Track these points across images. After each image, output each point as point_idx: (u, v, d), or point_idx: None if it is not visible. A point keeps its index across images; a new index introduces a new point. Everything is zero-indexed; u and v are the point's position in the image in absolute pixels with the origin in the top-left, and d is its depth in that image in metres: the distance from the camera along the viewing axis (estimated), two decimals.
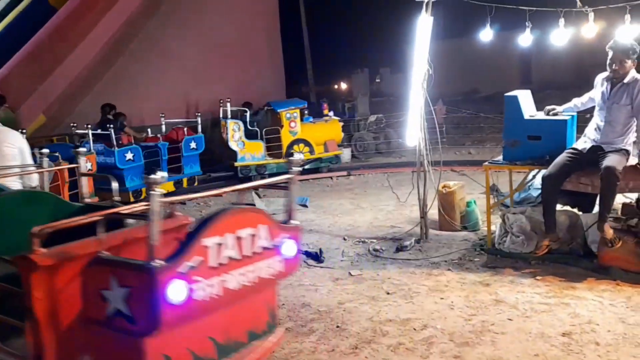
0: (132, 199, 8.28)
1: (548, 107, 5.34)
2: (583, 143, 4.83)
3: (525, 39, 6.05)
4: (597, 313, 3.90)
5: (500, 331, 3.73)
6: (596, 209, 4.77)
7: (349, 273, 5.06)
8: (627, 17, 5.08)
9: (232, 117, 10.22)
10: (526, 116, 5.25)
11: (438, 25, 7.07)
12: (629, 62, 4.51)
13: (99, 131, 8.65)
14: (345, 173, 10.38)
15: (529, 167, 5.38)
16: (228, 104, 10.34)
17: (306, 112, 10.79)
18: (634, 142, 4.67)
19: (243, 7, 13.76)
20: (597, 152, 4.67)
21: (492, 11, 5.63)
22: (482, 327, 3.81)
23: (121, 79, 11.26)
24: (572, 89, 7.39)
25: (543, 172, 4.90)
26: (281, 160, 10.14)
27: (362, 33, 21.53)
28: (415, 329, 3.84)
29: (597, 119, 4.78)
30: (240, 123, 10.11)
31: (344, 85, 21.08)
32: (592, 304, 4.04)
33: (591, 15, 5.33)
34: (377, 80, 12.77)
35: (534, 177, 5.75)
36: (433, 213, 6.29)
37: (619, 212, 4.88)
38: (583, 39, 5.77)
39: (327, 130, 10.75)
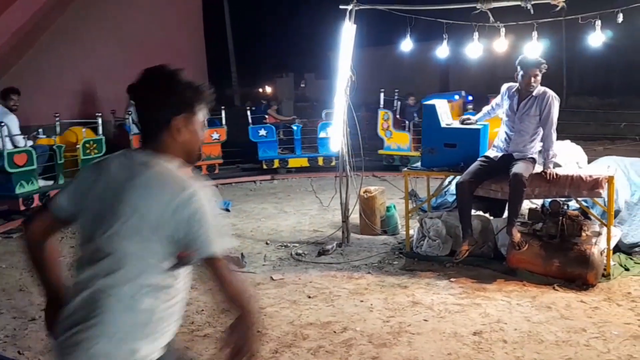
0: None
1: (463, 117, 5.61)
2: (494, 151, 5.10)
3: (442, 50, 6.31)
4: (506, 312, 4.11)
5: (417, 332, 3.84)
6: (506, 213, 5.06)
7: (271, 277, 5.03)
8: (534, 34, 5.45)
9: (384, 107, 10.58)
10: (443, 125, 5.47)
11: (362, 33, 7.23)
12: (539, 75, 4.82)
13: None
14: (269, 177, 10.33)
15: (445, 174, 5.60)
16: (381, 93, 10.53)
17: (470, 106, 10.22)
18: (539, 151, 4.98)
19: (165, 5, 13.38)
20: (506, 160, 4.95)
21: (412, 22, 5.83)
22: (399, 328, 3.91)
23: (29, 73, 10.52)
24: (486, 99, 7.84)
25: (458, 178, 5.13)
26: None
27: (287, 38, 21.60)
28: (335, 332, 3.88)
29: (506, 129, 5.06)
30: (390, 113, 10.49)
31: (268, 89, 21.03)
32: (501, 304, 4.26)
33: (502, 30, 5.66)
34: (302, 85, 12.85)
35: (449, 183, 6.00)
36: (355, 217, 6.40)
37: (526, 217, 5.19)
38: (495, 52, 6.13)
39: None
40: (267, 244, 6.14)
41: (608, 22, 5.48)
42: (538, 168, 4.95)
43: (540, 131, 4.88)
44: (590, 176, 4.75)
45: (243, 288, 1.79)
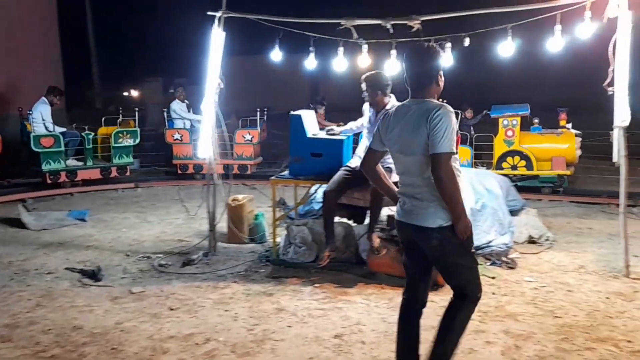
0: None
1: (327, 128, 5.81)
2: (356, 161, 5.34)
3: (310, 63, 6.49)
4: (365, 314, 4.31)
5: (280, 338, 3.88)
6: (367, 220, 5.32)
7: (130, 291, 4.78)
8: (393, 52, 5.82)
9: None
10: (309, 135, 5.62)
11: (234, 40, 7.20)
12: (379, 94, 5.13)
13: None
14: (132, 185, 9.82)
15: (311, 182, 5.75)
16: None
17: (536, 120, 9.29)
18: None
19: (14, 3, 12.15)
20: None
21: (281, 33, 5.94)
22: (263, 335, 3.92)
23: None
24: (354, 113, 8.18)
25: (324, 186, 5.29)
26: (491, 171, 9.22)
27: (156, 41, 20.80)
28: (197, 344, 3.78)
29: (366, 142, 5.34)
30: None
31: (135, 93, 20.08)
32: (360, 307, 4.46)
33: (365, 47, 5.97)
34: (171, 91, 12.46)
35: (315, 191, 6.17)
36: (223, 226, 6.32)
37: (386, 223, 5.50)
38: (360, 67, 6.43)
39: (557, 145, 9.02)
40: (127, 255, 5.83)
41: (459, 45, 6.03)
42: (395, 177, 5.26)
43: None
44: None
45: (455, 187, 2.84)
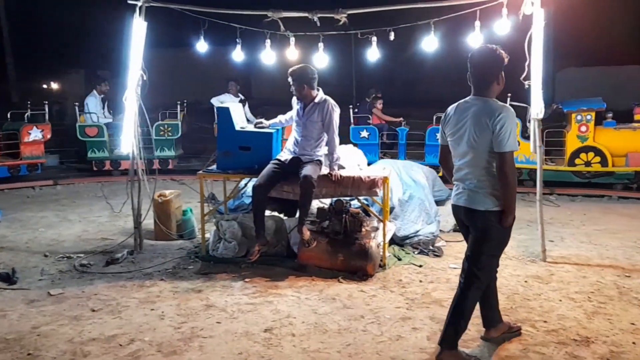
0: None
1: (256, 121, 5.75)
2: (285, 155, 5.32)
3: (237, 55, 6.39)
4: (295, 307, 4.31)
5: (209, 335, 3.81)
6: (298, 213, 5.31)
7: (48, 293, 4.53)
8: (320, 45, 5.83)
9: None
10: (237, 128, 5.53)
11: (160, 31, 6.96)
12: (306, 87, 5.14)
13: None
14: (51, 182, 9.31)
15: (240, 176, 5.67)
16: (508, 99, 9.03)
17: (610, 115, 8.83)
18: (326, 154, 5.34)
19: None
20: (296, 163, 5.21)
21: (206, 24, 5.80)
22: (191, 333, 3.83)
23: None
24: (286, 106, 8.12)
25: (255, 181, 5.23)
26: (562, 168, 8.86)
27: (77, 30, 19.75)
28: (121, 345, 3.64)
29: (295, 134, 5.33)
30: (519, 121, 9.01)
31: (55, 85, 19.03)
32: (291, 300, 4.45)
33: (292, 39, 5.94)
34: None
35: (245, 185, 6.09)
36: (149, 223, 6.12)
37: (315, 216, 5.52)
38: (289, 60, 6.40)
39: (634, 140, 8.62)
40: (45, 256, 5.53)
41: (386, 39, 6.13)
42: (325, 170, 5.30)
43: (325, 136, 5.25)
44: (369, 177, 5.25)
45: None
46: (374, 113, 10.23)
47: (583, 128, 8.71)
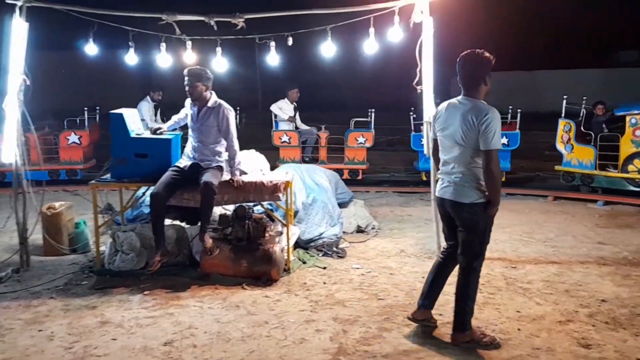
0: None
1: (154, 127, 5.55)
2: (184, 161, 5.19)
3: (130, 58, 6.14)
4: (197, 317, 4.20)
5: (104, 353, 3.61)
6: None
7: None
8: (218, 49, 5.75)
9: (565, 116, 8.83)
10: (132, 134, 5.31)
11: (45, 33, 6.53)
12: (200, 85, 5.05)
13: None
14: None
15: (137, 185, 5.44)
16: (564, 101, 8.78)
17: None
18: (227, 159, 5.27)
19: None
20: (196, 169, 5.09)
21: (95, 26, 5.52)
22: (84, 353, 3.61)
23: None
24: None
25: (153, 189, 5.04)
26: (614, 174, 8.30)
27: None
28: None
29: (191, 139, 5.22)
30: (573, 123, 8.72)
31: None
32: (193, 310, 4.34)
33: (189, 43, 5.81)
34: None
35: (143, 194, 5.86)
36: (37, 238, 5.71)
37: (218, 223, 5.42)
38: (186, 63, 6.25)
39: None
40: None
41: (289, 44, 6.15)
42: (226, 176, 5.22)
43: (223, 141, 5.18)
44: (271, 182, 5.24)
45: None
46: None
47: (638, 132, 8.09)
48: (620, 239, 6.40)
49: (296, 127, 9.80)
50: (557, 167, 8.96)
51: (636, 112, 8.20)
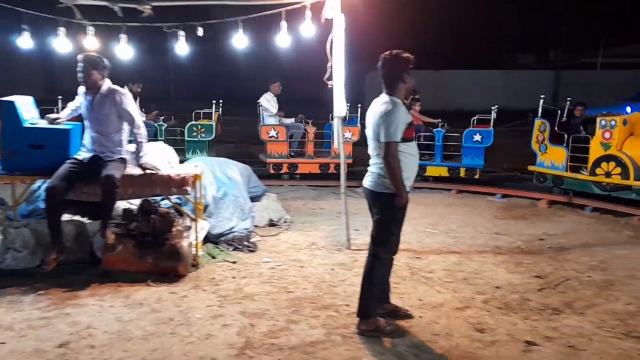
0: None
1: (51, 116, 5.21)
2: (83, 153, 4.91)
3: (24, 42, 5.73)
4: (97, 317, 4.01)
5: None
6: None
7: None
8: (123, 36, 5.50)
9: (541, 116, 8.76)
10: (26, 124, 4.95)
11: None
12: (95, 73, 4.83)
13: None
14: None
15: (31, 178, 5.10)
16: (541, 101, 8.65)
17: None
18: (131, 151, 5.05)
19: None
20: (96, 161, 4.84)
21: None
22: None
23: None
24: None
25: (48, 182, 4.73)
26: (583, 177, 8.07)
27: None
28: None
29: (89, 130, 4.95)
30: (548, 124, 8.62)
31: None
32: (92, 309, 4.13)
33: (91, 29, 5.51)
34: None
35: (39, 187, 5.50)
36: None
37: (121, 217, 5.20)
38: (88, 50, 5.92)
39: None
40: None
41: (204, 35, 5.98)
42: (130, 168, 5.01)
43: (123, 131, 4.96)
44: (179, 175, 5.09)
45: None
46: (412, 114, 9.97)
47: (607, 135, 7.78)
48: (515, 229, 6.86)
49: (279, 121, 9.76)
50: (530, 167, 8.89)
51: (609, 113, 8.24)
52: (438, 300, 4.50)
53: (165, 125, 9.53)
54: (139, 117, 5.01)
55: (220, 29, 6.05)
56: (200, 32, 5.74)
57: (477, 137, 9.14)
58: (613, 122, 7.72)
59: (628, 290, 4.76)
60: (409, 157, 3.82)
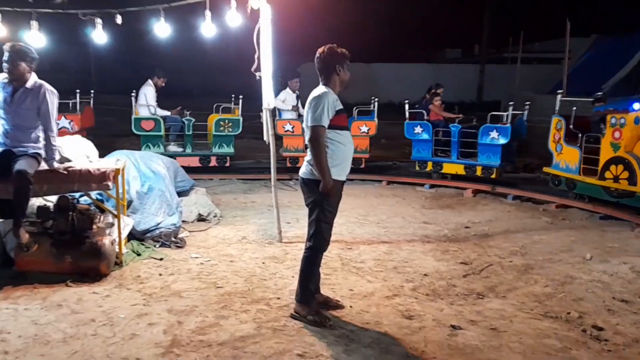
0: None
1: None
2: None
3: None
4: (10, 321, 3.75)
5: None
6: None
7: None
8: (34, 23, 5.16)
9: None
10: None
11: None
12: (23, 65, 4.55)
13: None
14: None
15: None
16: (558, 97, 7.99)
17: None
18: (45, 145, 4.75)
19: None
20: (8, 156, 4.52)
21: None
22: None
23: None
24: None
25: None
26: (594, 181, 7.12)
27: None
28: None
29: (3, 122, 4.62)
30: (564, 122, 7.72)
31: None
32: (5, 313, 3.87)
33: None
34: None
35: None
36: None
37: (36, 216, 4.89)
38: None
39: None
40: None
41: (115, 23, 5.72)
42: (45, 164, 4.71)
43: (40, 128, 4.66)
44: (99, 169, 4.84)
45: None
46: (432, 109, 9.71)
47: (617, 134, 6.82)
48: (442, 218, 7.07)
49: (299, 116, 9.52)
50: (545, 169, 8.17)
51: (611, 108, 7.26)
52: (368, 290, 4.55)
53: (193, 120, 9.45)
54: (55, 116, 4.72)
55: (143, 19, 5.81)
56: (119, 19, 5.48)
57: (494, 134, 8.37)
58: (623, 120, 6.72)
59: (545, 273, 5.02)
60: (340, 145, 3.82)
